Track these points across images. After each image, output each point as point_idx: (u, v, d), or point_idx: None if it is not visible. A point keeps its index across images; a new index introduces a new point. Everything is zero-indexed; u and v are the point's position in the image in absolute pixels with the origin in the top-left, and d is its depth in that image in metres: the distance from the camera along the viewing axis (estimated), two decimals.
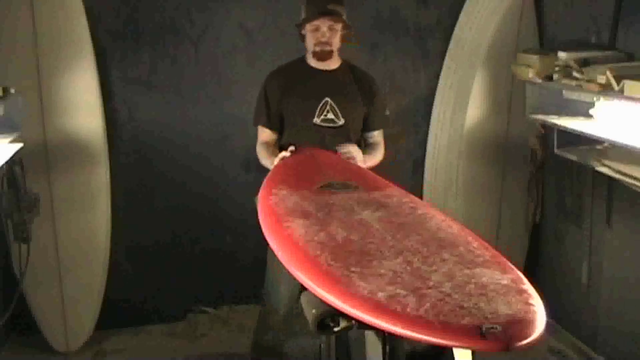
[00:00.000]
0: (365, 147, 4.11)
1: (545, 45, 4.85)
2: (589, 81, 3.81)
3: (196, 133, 5.06)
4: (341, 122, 3.93)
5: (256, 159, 4.96)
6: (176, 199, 5.11)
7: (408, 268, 2.22)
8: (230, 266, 5.22)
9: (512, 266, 2.28)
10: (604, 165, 3.83)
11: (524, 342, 1.84)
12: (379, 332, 2.49)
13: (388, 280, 2.14)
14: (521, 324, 1.90)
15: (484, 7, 4.94)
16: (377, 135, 4.16)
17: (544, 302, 2.04)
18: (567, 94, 4.12)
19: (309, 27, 3.93)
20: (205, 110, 5.06)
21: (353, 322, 2.28)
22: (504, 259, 2.34)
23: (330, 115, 3.92)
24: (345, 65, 4.09)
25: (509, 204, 5.16)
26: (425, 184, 5.47)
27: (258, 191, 3.20)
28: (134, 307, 5.07)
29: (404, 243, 2.44)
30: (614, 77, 3.57)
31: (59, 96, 4.50)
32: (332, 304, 2.13)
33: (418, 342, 1.96)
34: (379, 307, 2.01)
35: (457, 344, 1.93)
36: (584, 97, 3.97)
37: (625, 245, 4.20)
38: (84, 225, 4.69)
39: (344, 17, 3.93)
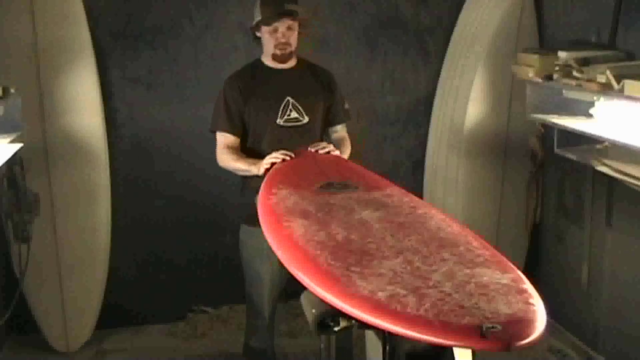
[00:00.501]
0: (332, 143, 4.02)
1: (545, 45, 4.85)
2: (589, 80, 3.81)
3: (196, 133, 5.04)
4: (306, 119, 3.90)
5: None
6: (176, 198, 5.11)
7: (408, 268, 2.22)
8: (230, 266, 5.20)
9: (512, 266, 2.28)
10: (604, 164, 3.83)
11: (525, 341, 1.84)
12: (379, 331, 2.48)
13: (388, 279, 2.14)
14: (521, 323, 1.90)
15: (484, 6, 4.94)
16: (341, 130, 4.15)
17: (544, 301, 2.03)
18: (567, 93, 4.12)
19: (265, 29, 3.85)
20: (205, 110, 5.02)
21: (353, 321, 2.28)
22: (504, 259, 2.34)
23: (294, 114, 3.88)
24: (302, 63, 4.04)
25: (509, 203, 5.15)
26: (425, 184, 5.47)
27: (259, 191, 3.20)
28: (134, 306, 5.07)
29: (404, 243, 2.44)
30: (614, 76, 3.57)
31: (59, 96, 4.51)
32: (332, 304, 2.13)
33: (418, 341, 1.96)
34: (379, 307, 2.01)
35: (457, 343, 1.92)
36: (584, 96, 3.97)
37: (625, 245, 4.20)
38: (84, 224, 4.69)
39: (302, 14, 3.86)
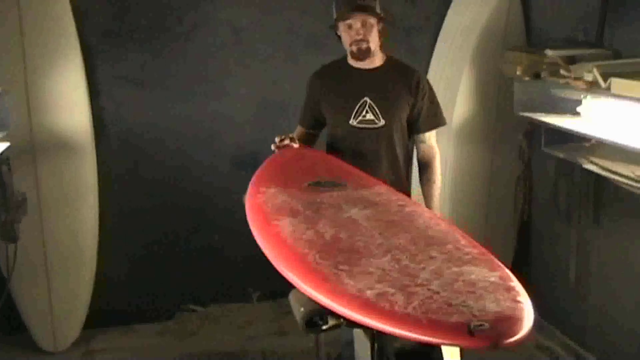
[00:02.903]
0: (418, 159, 3.88)
1: (533, 43, 4.86)
2: (576, 79, 3.82)
3: (184, 131, 5.06)
4: (381, 122, 3.65)
5: (244, 156, 4.98)
6: (165, 197, 5.11)
7: (396, 266, 2.22)
8: (219, 264, 5.22)
9: (500, 264, 2.29)
10: (592, 162, 3.84)
11: (512, 339, 1.85)
12: (368, 330, 2.49)
13: (376, 278, 2.14)
14: (509, 321, 1.90)
15: (472, 4, 4.95)
16: (428, 139, 3.84)
17: (532, 299, 2.04)
18: (554, 91, 4.14)
19: (341, 26, 3.68)
20: (193, 109, 5.06)
21: (341, 320, 2.28)
22: (492, 257, 2.35)
23: (370, 116, 3.65)
24: (389, 62, 3.80)
25: (497, 201, 5.16)
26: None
27: (247, 189, 3.19)
28: (123, 306, 5.05)
29: (392, 241, 2.44)
30: (601, 74, 3.58)
31: (46, 94, 4.49)
32: (321, 302, 2.13)
33: (407, 339, 1.96)
34: (367, 305, 2.01)
35: (445, 341, 1.93)
36: (571, 94, 3.98)
37: (613, 243, 4.21)
38: (72, 224, 4.68)
39: (378, 10, 3.67)
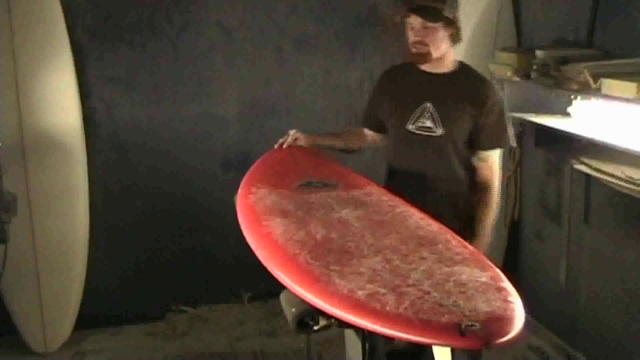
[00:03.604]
0: (475, 179, 3.48)
1: (523, 44, 4.87)
2: (566, 79, 3.83)
3: (175, 132, 5.05)
4: (440, 131, 3.33)
5: (235, 157, 4.98)
6: (155, 197, 5.10)
7: (387, 266, 2.23)
8: (209, 265, 5.21)
9: (491, 264, 2.29)
10: (582, 162, 3.85)
11: (503, 339, 1.85)
12: (359, 330, 2.49)
13: (367, 278, 2.14)
14: (500, 321, 1.91)
15: (462, 5, 4.93)
16: (485, 157, 3.45)
17: (522, 299, 2.05)
18: (545, 92, 4.14)
19: (406, 24, 3.35)
20: (184, 109, 5.05)
21: (332, 320, 2.28)
22: (483, 257, 2.35)
23: (429, 123, 3.34)
24: (461, 70, 3.47)
25: None
26: None
27: (237, 189, 3.19)
28: (113, 307, 5.04)
29: (383, 241, 2.44)
30: (592, 75, 3.59)
31: (36, 95, 4.47)
32: (312, 303, 2.13)
33: (398, 339, 1.96)
34: (358, 306, 2.01)
35: (436, 341, 1.93)
36: (561, 95, 3.99)
37: (603, 243, 4.22)
38: (62, 224, 4.66)
39: (446, 13, 3.29)
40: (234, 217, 2.90)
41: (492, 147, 3.46)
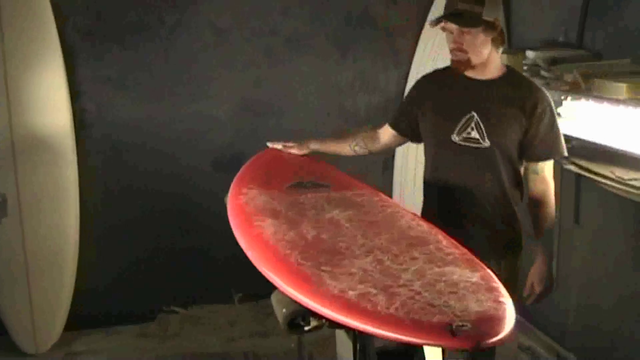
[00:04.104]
0: (529, 192, 3.32)
1: (514, 45, 4.88)
2: (557, 80, 3.84)
3: (167, 132, 5.04)
4: (486, 143, 3.13)
5: (227, 157, 4.97)
6: (146, 198, 5.08)
7: (378, 266, 2.23)
8: (200, 266, 5.20)
9: (482, 264, 2.30)
10: (572, 163, 3.85)
11: (494, 339, 1.86)
12: (350, 330, 2.49)
13: (358, 278, 2.15)
14: (491, 321, 1.91)
15: None
16: (541, 170, 3.26)
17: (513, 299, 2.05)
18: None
19: (445, 29, 3.17)
20: (175, 110, 5.04)
21: (324, 321, 2.28)
22: (474, 257, 2.36)
23: (474, 134, 3.14)
24: (509, 76, 3.24)
25: None
26: (394, 183, 5.48)
27: (229, 190, 3.19)
28: (104, 307, 5.03)
29: (374, 242, 2.45)
30: (582, 76, 3.60)
31: (26, 95, 4.46)
32: (303, 303, 2.13)
33: (389, 340, 1.96)
34: (349, 306, 2.01)
35: (427, 342, 1.94)
36: (552, 95, 3.98)
37: (593, 243, 4.23)
38: (52, 225, 4.65)
39: (486, 17, 3.08)
40: (225, 217, 2.90)
41: (545, 158, 3.25)
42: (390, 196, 4.58)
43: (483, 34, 3.10)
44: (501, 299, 2.03)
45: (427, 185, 3.43)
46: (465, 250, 2.42)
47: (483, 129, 3.14)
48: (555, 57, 4.00)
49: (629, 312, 3.94)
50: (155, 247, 5.17)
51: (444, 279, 2.14)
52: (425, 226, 2.65)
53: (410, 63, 5.32)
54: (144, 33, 4.90)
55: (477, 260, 2.33)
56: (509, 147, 3.17)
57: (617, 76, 3.46)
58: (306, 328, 2.36)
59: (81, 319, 4.88)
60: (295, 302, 2.18)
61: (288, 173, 3.30)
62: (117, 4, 4.83)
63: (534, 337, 4.70)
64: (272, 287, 2.37)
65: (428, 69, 4.97)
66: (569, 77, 3.71)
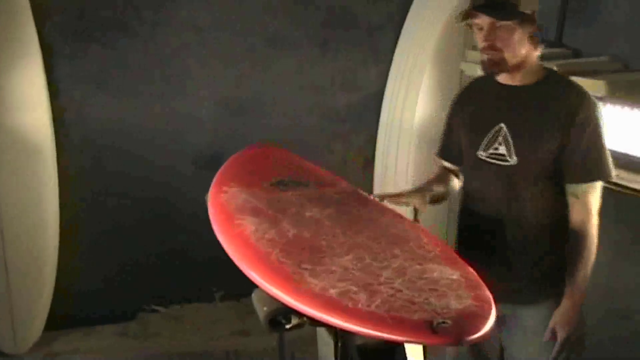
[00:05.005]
0: (569, 218, 2.76)
1: None
2: None
3: (147, 131, 5.02)
4: (513, 160, 2.71)
5: (207, 156, 4.95)
6: (126, 197, 5.07)
7: (359, 264, 2.23)
8: (181, 264, 5.20)
9: (463, 261, 2.30)
10: None
11: (475, 335, 1.86)
12: (331, 328, 2.49)
13: (339, 276, 2.15)
14: (471, 317, 1.92)
15: (433, 3, 4.97)
16: (581, 194, 2.71)
17: (493, 296, 2.06)
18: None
19: (474, 25, 2.76)
20: (155, 109, 5.02)
21: (305, 319, 2.28)
22: (455, 254, 2.37)
23: (502, 149, 2.73)
24: (549, 80, 2.77)
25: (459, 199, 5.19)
26: (375, 180, 5.49)
27: (209, 189, 3.18)
28: (84, 307, 5.01)
29: (355, 239, 2.45)
30: (561, 73, 3.61)
31: (3, 94, 4.42)
32: (284, 301, 2.13)
33: (370, 337, 1.96)
34: (330, 304, 2.01)
35: (408, 339, 1.94)
36: None
37: None
38: (31, 225, 4.62)
39: (521, 8, 2.67)
40: (205, 216, 2.89)
41: (585, 180, 2.70)
42: (371, 194, 4.55)
43: (520, 29, 2.67)
44: (482, 296, 2.04)
45: (459, 216, 3.05)
46: (446, 248, 2.43)
47: (511, 143, 2.72)
48: None
49: (618, 312, 3.96)
50: (136, 245, 5.15)
51: (424, 276, 2.14)
52: (406, 224, 2.65)
53: (391, 61, 5.33)
54: (124, 31, 4.88)
55: (458, 258, 2.33)
56: (539, 166, 2.71)
57: (597, 74, 3.48)
58: (287, 326, 2.36)
59: (61, 318, 4.87)
60: (276, 300, 2.18)
61: (269, 171, 3.29)
62: (96, 2, 4.81)
63: None
64: (253, 286, 2.37)
65: (408, 67, 5.03)
66: None
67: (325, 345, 2.66)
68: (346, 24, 5.29)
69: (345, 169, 5.35)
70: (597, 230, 2.73)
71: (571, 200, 2.72)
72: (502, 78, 2.78)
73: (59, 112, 4.79)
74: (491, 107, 2.81)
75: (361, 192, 3.06)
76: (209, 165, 3.96)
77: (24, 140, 4.51)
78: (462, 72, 4.73)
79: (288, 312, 2.27)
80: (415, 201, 2.91)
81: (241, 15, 5.07)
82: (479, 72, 4.33)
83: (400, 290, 2.04)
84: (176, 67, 5.02)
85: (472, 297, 2.03)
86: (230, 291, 5.26)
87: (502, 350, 2.93)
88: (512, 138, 2.71)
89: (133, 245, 5.14)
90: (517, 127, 2.71)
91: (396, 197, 2.94)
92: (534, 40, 2.71)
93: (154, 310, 5.28)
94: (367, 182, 5.42)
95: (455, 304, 1.97)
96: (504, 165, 2.73)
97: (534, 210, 2.75)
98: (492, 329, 1.94)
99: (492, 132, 2.76)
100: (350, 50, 5.34)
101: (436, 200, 3.03)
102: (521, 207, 2.74)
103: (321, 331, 2.74)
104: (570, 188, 2.71)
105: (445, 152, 3.11)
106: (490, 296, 2.06)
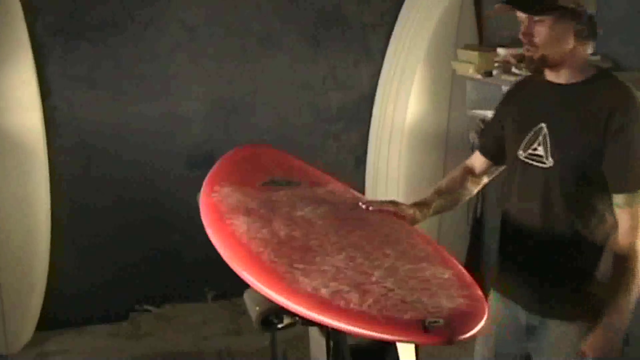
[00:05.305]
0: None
1: (485, 42, 4.91)
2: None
3: (139, 131, 5.02)
4: (549, 162, 2.51)
5: (199, 155, 4.94)
6: (118, 197, 5.06)
7: (351, 264, 2.23)
8: (173, 264, 5.19)
9: (454, 260, 2.31)
10: None
11: (467, 334, 1.87)
12: (323, 327, 2.49)
13: (331, 276, 2.14)
14: (463, 317, 1.92)
15: (425, 3, 4.98)
16: (621, 202, 2.45)
17: (485, 295, 2.06)
18: (506, 89, 4.17)
19: (518, 18, 2.55)
20: (147, 108, 5.02)
21: (297, 318, 2.28)
22: (446, 253, 2.37)
23: (540, 150, 2.54)
24: (595, 79, 2.51)
25: None
26: (367, 180, 5.49)
27: (201, 188, 3.17)
28: (76, 307, 5.01)
29: (347, 239, 2.45)
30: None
31: None
32: (276, 301, 2.13)
33: (362, 337, 1.97)
34: (322, 303, 2.01)
35: (400, 338, 1.94)
36: None
37: None
38: (23, 225, 4.61)
39: (562, 2, 2.39)
40: (197, 216, 2.89)
41: (628, 189, 2.43)
42: (363, 193, 4.58)
43: (561, 24, 2.43)
44: (473, 295, 2.04)
45: (501, 221, 2.85)
46: (437, 247, 2.43)
47: (548, 144, 2.52)
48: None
49: None
50: (128, 245, 5.14)
51: (416, 275, 2.14)
52: (397, 223, 2.66)
53: (383, 60, 5.33)
54: (115, 30, 4.88)
55: (449, 257, 2.34)
56: (577, 170, 2.48)
57: None
58: (279, 326, 2.37)
59: (53, 319, 4.86)
60: (268, 300, 2.17)
61: (261, 171, 3.29)
62: (88, 1, 4.80)
63: None
64: (245, 285, 2.36)
65: (400, 66, 5.04)
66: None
67: (317, 344, 2.66)
68: (338, 24, 5.30)
69: (337, 168, 5.34)
70: None
71: (616, 212, 2.47)
72: (549, 75, 2.57)
73: (50, 111, 4.79)
74: (535, 106, 2.63)
75: (353, 191, 3.06)
76: (201, 164, 3.97)
77: (16, 140, 4.50)
78: (453, 71, 4.73)
79: (280, 311, 2.27)
80: (407, 213, 2.79)
81: (233, 15, 5.07)
82: (470, 71, 4.38)
83: (392, 290, 2.04)
84: (168, 66, 5.02)
85: (463, 296, 2.03)
86: (222, 291, 5.26)
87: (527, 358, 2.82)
88: (550, 139, 2.52)
89: (125, 245, 5.13)
90: (556, 128, 2.52)
91: (382, 207, 2.80)
92: (581, 36, 2.45)
93: (146, 310, 5.27)
94: (359, 181, 5.43)
95: (447, 303, 1.97)
96: (541, 167, 2.54)
97: (569, 219, 2.52)
98: (486, 328, 1.94)
99: (533, 131, 2.58)
100: (342, 50, 5.35)
101: (441, 209, 2.96)
102: (556, 213, 2.54)
103: (313, 331, 2.74)
104: (615, 198, 2.46)
105: (485, 148, 2.93)
106: (482, 295, 2.06)
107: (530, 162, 2.57)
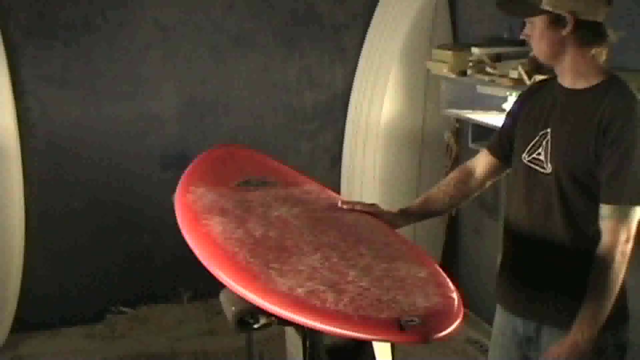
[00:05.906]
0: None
1: (459, 41, 4.92)
2: (501, 76, 3.88)
3: (112, 131, 4.99)
4: (548, 168, 2.48)
5: (173, 156, 4.93)
6: (92, 198, 5.03)
7: (326, 263, 2.23)
8: (148, 265, 5.17)
9: (430, 259, 2.31)
10: None
11: (443, 333, 1.87)
12: (299, 327, 2.49)
13: (307, 275, 2.14)
14: (439, 315, 1.93)
15: (399, 2, 4.99)
16: (605, 214, 2.37)
17: (461, 293, 2.07)
18: (480, 89, 4.20)
19: None
20: (120, 108, 5.00)
21: (273, 318, 2.28)
22: (422, 252, 2.38)
23: (542, 155, 2.51)
24: (604, 85, 2.43)
25: None
26: (342, 179, 5.50)
27: (176, 189, 3.16)
28: (51, 309, 4.97)
29: (322, 238, 2.45)
30: (526, 72, 3.64)
31: None
32: (252, 301, 2.13)
33: (338, 336, 1.97)
34: (298, 303, 2.01)
35: (376, 337, 1.95)
36: (497, 91, 4.05)
37: None
38: None
39: (544, 5, 2.38)
40: (172, 216, 2.88)
41: (615, 201, 2.35)
42: (338, 192, 4.58)
43: (550, 29, 2.43)
44: (449, 294, 2.04)
45: (504, 229, 2.80)
46: (413, 246, 2.44)
47: (549, 149, 2.49)
48: (500, 54, 4.05)
49: None
50: (103, 247, 5.12)
51: (391, 274, 2.15)
52: (372, 222, 2.66)
53: (357, 59, 5.34)
54: (88, 31, 4.86)
55: (425, 255, 2.34)
56: (573, 178, 2.44)
57: None
58: (255, 326, 2.36)
59: (27, 321, 4.82)
60: (244, 300, 2.17)
61: (236, 171, 3.28)
62: (60, 1, 4.77)
63: (482, 331, 4.74)
64: (220, 286, 2.36)
65: (375, 65, 5.04)
66: (513, 74, 3.74)
67: (294, 344, 2.66)
68: (312, 23, 5.30)
69: (312, 167, 5.35)
70: (627, 262, 2.38)
71: (600, 223, 2.39)
72: (561, 79, 2.53)
73: (24, 112, 4.76)
74: (544, 110, 2.57)
75: (329, 191, 3.06)
76: (176, 165, 3.96)
77: None
78: (428, 70, 4.74)
79: (256, 312, 2.27)
80: (384, 216, 2.78)
81: (206, 15, 5.06)
82: (444, 70, 4.40)
83: (368, 289, 2.04)
84: (141, 66, 5.00)
85: (439, 294, 2.03)
86: (197, 291, 5.24)
87: None
88: (551, 144, 2.48)
89: (100, 246, 5.11)
90: (559, 134, 2.48)
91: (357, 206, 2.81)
92: (583, 42, 2.41)
93: (121, 312, 5.24)
94: (335, 180, 5.43)
95: (422, 302, 1.97)
96: (542, 173, 2.51)
97: (567, 226, 2.48)
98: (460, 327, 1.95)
99: (538, 136, 2.54)
100: (317, 49, 5.35)
101: (433, 214, 3.02)
102: (554, 220, 2.49)
103: (289, 330, 2.74)
104: (601, 208, 2.38)
105: (494, 147, 2.82)
106: (458, 293, 2.07)
107: (533, 166, 2.54)
